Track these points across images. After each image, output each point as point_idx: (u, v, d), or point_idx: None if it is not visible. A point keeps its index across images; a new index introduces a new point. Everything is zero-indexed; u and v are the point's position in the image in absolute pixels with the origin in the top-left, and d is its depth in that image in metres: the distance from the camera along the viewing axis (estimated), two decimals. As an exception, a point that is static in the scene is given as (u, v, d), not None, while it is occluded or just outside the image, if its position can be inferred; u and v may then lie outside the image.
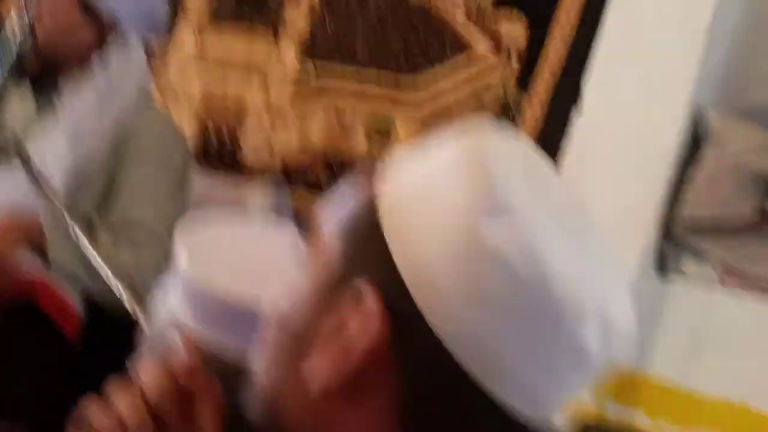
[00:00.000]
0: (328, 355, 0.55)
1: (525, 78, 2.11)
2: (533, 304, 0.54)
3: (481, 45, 2.16)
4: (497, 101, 2.12)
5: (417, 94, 2.20)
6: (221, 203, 2.19)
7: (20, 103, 1.87)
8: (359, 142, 2.25)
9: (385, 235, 0.57)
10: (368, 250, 0.57)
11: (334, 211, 0.63)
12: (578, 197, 0.61)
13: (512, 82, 2.12)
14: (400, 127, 2.20)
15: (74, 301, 1.61)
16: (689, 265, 1.89)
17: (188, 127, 2.41)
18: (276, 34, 2.38)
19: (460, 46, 2.17)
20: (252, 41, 2.41)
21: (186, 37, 2.49)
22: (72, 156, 1.71)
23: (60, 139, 1.72)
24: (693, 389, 1.81)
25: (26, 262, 1.56)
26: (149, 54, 1.94)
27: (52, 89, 1.79)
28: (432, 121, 2.17)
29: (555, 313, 0.54)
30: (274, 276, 0.74)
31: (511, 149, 0.61)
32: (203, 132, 2.42)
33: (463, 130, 0.61)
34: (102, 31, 1.79)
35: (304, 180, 2.29)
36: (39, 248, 1.58)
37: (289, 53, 2.36)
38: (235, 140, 2.38)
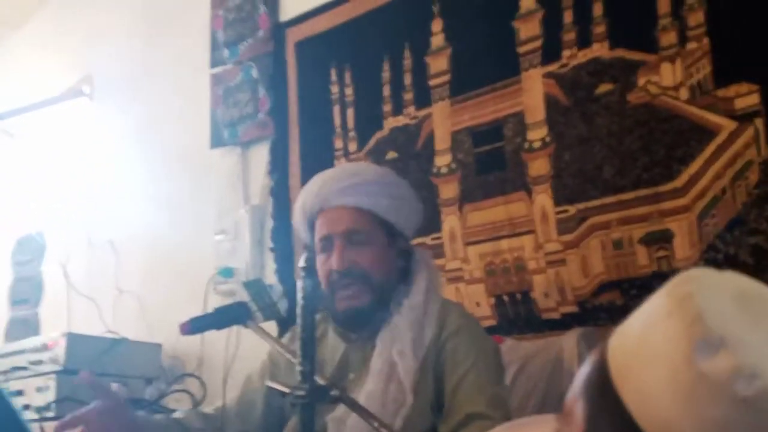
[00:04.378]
0: None
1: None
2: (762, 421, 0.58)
3: (724, 125, 2.12)
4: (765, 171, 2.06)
5: (684, 199, 2.19)
6: (534, 362, 2.26)
7: (327, 339, 2.08)
8: (644, 264, 2.26)
9: (619, 392, 0.63)
10: (609, 410, 0.63)
11: (579, 375, 0.70)
12: None
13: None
14: (679, 234, 2.19)
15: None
16: None
17: (482, 303, 2.53)
18: (528, 191, 2.48)
19: (704, 133, 2.15)
20: (508, 203, 2.52)
21: (449, 225, 2.66)
22: (406, 369, 1.87)
23: (387, 357, 1.90)
24: None
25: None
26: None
27: (362, 320, 2.00)
28: (707, 216, 2.14)
29: None
30: None
31: (720, 286, 0.65)
32: (496, 301, 2.52)
33: (673, 280, 0.67)
34: (402, 251, 2.03)
35: (605, 313, 2.30)
36: None
37: (546, 203, 2.44)
38: (526, 297, 2.46)
